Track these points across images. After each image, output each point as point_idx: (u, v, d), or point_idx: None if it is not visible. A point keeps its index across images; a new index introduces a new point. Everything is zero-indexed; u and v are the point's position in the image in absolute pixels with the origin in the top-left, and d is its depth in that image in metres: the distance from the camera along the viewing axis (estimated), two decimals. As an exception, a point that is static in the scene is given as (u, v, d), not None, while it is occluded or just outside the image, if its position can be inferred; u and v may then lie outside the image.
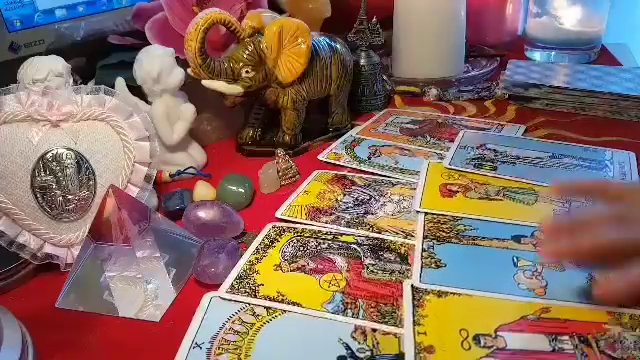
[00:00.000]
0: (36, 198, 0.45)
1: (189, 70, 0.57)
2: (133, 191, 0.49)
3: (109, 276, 0.43)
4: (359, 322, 0.37)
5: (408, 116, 0.73)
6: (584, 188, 0.44)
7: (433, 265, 0.42)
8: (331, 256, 0.44)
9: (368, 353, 0.34)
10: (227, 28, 0.57)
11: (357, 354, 0.34)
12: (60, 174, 0.46)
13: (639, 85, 0.71)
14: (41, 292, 0.44)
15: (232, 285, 0.41)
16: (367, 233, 0.47)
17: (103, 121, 0.49)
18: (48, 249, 0.46)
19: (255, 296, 0.40)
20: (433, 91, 0.79)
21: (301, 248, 0.45)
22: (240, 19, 0.60)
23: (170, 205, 0.53)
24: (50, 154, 0.46)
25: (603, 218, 0.38)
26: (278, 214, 0.50)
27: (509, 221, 0.47)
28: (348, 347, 0.35)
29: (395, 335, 0.36)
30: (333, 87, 0.65)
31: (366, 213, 0.50)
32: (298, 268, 0.43)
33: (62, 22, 0.68)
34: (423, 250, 0.43)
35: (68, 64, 0.55)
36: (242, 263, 0.43)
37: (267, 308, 0.38)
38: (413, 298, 0.38)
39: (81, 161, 0.47)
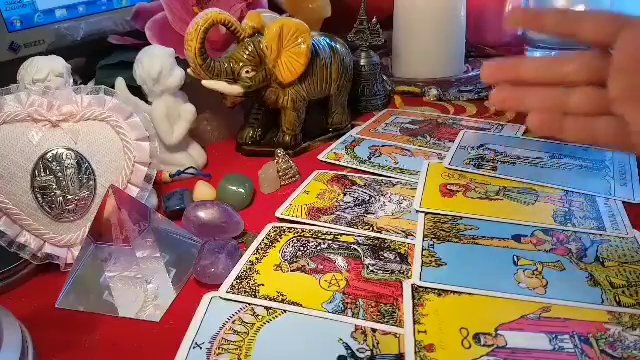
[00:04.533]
0: (36, 198, 0.45)
1: (189, 70, 0.57)
2: (133, 191, 0.49)
3: (109, 276, 0.43)
4: (359, 322, 0.37)
5: (408, 116, 0.73)
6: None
7: (433, 264, 0.42)
8: (331, 256, 0.44)
9: (368, 353, 0.34)
10: (227, 28, 0.57)
11: (357, 354, 0.34)
12: (60, 174, 0.46)
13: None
14: (41, 292, 0.44)
15: (232, 285, 0.41)
16: (367, 233, 0.47)
17: (103, 121, 0.49)
18: (48, 249, 0.46)
19: (255, 296, 0.40)
20: (433, 91, 0.79)
21: (301, 248, 0.45)
22: (240, 19, 0.60)
23: (170, 205, 0.53)
24: (50, 154, 0.46)
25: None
26: (278, 214, 0.50)
27: (509, 221, 0.47)
28: (348, 347, 0.35)
29: (395, 335, 0.36)
30: (333, 87, 0.65)
31: (366, 213, 0.50)
32: (298, 268, 0.43)
33: (62, 22, 0.68)
34: (423, 249, 0.43)
35: (68, 64, 0.55)
36: (242, 263, 0.43)
37: (267, 308, 0.38)
38: (413, 297, 0.38)
39: (81, 161, 0.47)
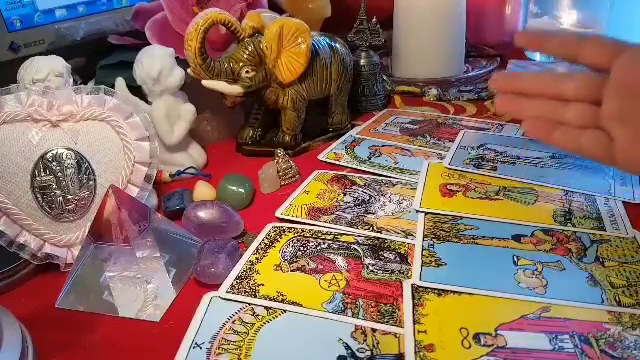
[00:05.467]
0: (36, 198, 0.45)
1: (189, 70, 0.57)
2: (133, 191, 0.49)
3: (109, 276, 0.43)
4: (359, 322, 0.37)
5: (408, 116, 0.73)
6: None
7: (433, 264, 0.42)
8: (331, 256, 0.44)
9: (368, 353, 0.34)
10: (227, 28, 0.57)
11: (357, 354, 0.34)
12: (60, 174, 0.46)
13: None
14: (41, 292, 0.44)
15: (232, 285, 0.41)
16: (367, 233, 0.47)
17: (103, 121, 0.49)
18: (48, 249, 0.46)
19: (255, 296, 0.40)
20: (433, 91, 0.79)
21: (301, 248, 0.45)
22: (240, 19, 0.60)
23: (170, 205, 0.53)
24: (50, 154, 0.46)
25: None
26: (278, 214, 0.50)
27: (509, 221, 0.47)
28: (348, 347, 0.35)
29: (395, 335, 0.36)
30: (333, 87, 0.65)
31: (366, 213, 0.50)
32: (298, 268, 0.43)
33: (62, 22, 0.68)
34: (423, 249, 0.43)
35: (68, 64, 0.55)
36: (242, 263, 0.43)
37: (267, 308, 0.38)
38: (413, 297, 0.38)
39: (81, 161, 0.47)
